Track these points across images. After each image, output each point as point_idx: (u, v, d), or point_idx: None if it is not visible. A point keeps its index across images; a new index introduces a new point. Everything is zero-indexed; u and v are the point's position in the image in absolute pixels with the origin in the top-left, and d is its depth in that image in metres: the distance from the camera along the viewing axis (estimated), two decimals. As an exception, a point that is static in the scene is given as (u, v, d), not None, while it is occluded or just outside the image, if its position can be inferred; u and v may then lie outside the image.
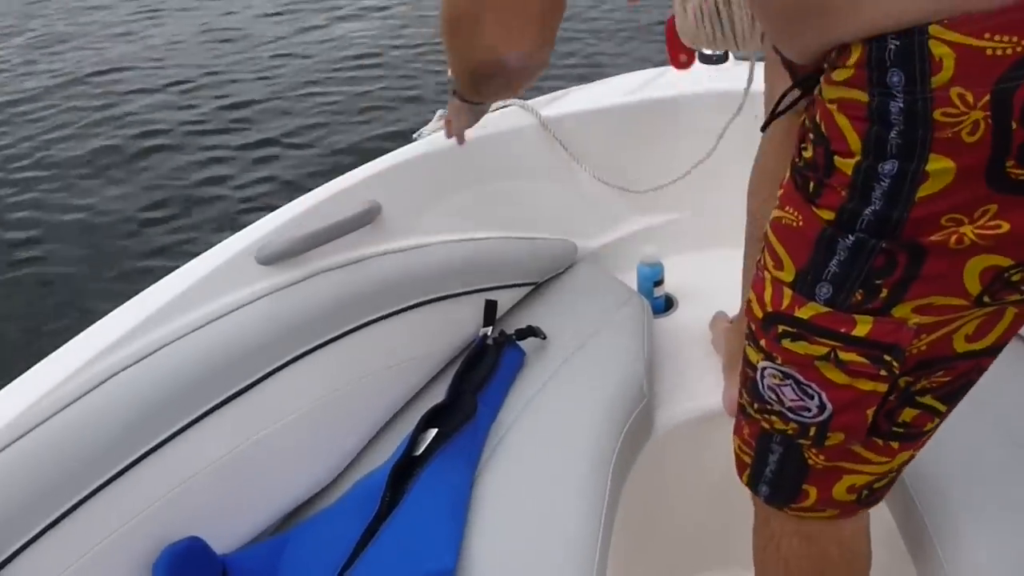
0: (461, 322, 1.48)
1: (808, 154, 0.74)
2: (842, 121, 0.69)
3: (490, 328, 1.47)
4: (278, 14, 6.54)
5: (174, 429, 1.09)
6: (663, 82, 1.82)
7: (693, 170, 1.69)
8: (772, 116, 0.87)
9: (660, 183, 1.73)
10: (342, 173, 1.42)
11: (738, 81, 1.71)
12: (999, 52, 0.60)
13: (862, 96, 0.67)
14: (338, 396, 1.28)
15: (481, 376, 1.37)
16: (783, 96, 0.83)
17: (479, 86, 1.14)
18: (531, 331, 1.45)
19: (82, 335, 1.10)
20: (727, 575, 1.43)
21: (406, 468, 1.17)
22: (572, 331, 1.48)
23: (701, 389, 1.45)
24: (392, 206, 1.39)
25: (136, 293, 1.17)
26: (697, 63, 1.87)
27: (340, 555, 1.07)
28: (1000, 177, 0.64)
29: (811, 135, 0.73)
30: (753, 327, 0.84)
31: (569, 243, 1.70)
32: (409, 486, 1.13)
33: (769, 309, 0.80)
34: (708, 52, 1.86)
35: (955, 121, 0.63)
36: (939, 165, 0.64)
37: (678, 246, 1.74)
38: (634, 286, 1.67)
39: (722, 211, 1.71)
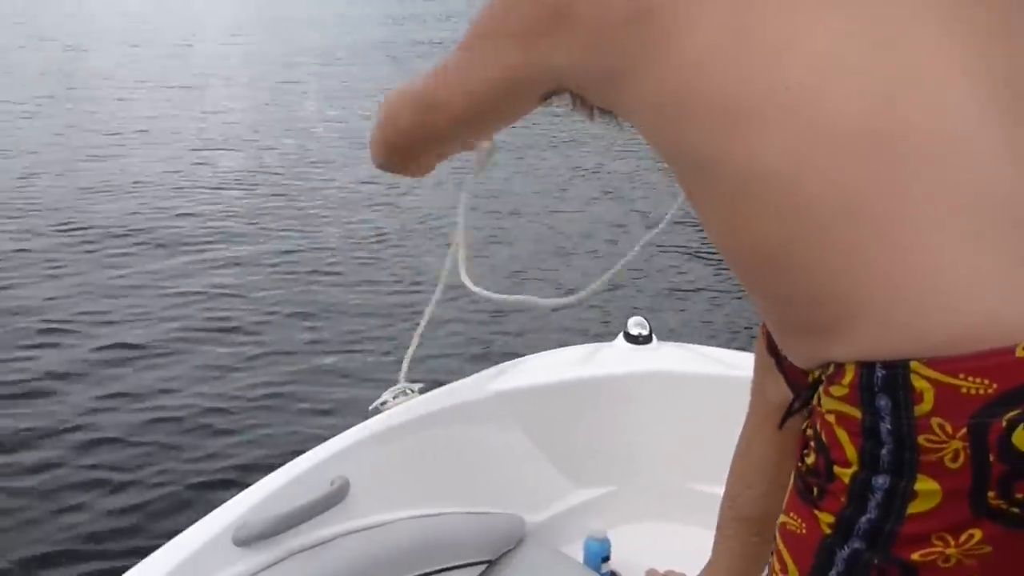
0: None
1: (811, 460, 0.78)
2: (840, 433, 0.74)
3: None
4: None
5: None
6: (601, 358, 1.96)
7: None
8: (785, 418, 0.95)
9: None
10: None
11: (663, 362, 1.90)
12: (972, 391, 0.67)
13: (856, 412, 0.72)
14: None
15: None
16: (791, 406, 0.90)
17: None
18: None
19: None
20: None
21: None
22: None
23: None
24: (360, 481, 1.41)
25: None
26: (622, 340, 2.04)
27: None
28: (982, 505, 0.68)
29: (813, 443, 0.78)
30: None
31: (516, 518, 1.73)
32: None
33: None
34: (634, 333, 2.04)
35: (938, 447, 0.68)
36: (926, 486, 0.69)
37: (619, 519, 1.80)
38: (580, 559, 1.70)
39: (660, 486, 1.81)
